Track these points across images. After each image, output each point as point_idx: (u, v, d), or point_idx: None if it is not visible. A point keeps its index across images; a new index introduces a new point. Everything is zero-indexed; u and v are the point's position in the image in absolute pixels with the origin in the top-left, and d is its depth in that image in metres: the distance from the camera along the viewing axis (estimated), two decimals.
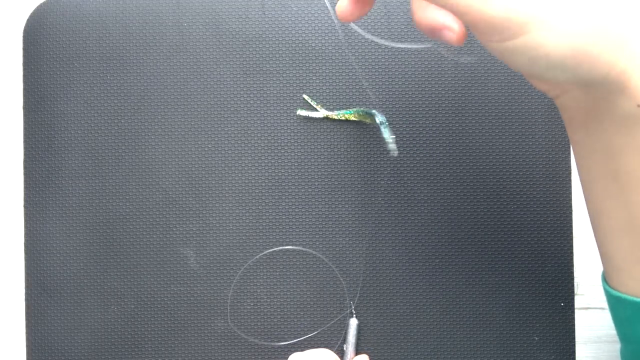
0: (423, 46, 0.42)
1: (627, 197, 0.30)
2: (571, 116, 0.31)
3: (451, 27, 0.29)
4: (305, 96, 0.42)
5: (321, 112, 0.43)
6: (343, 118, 0.43)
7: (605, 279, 0.34)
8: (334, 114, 0.43)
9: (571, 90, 0.29)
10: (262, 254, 0.43)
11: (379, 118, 0.41)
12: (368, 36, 0.41)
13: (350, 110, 0.43)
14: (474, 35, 0.28)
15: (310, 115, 0.43)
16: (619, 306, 0.33)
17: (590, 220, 0.33)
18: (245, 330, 0.43)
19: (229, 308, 0.43)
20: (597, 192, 0.31)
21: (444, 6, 0.27)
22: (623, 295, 0.32)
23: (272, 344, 0.43)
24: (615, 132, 0.29)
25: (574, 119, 0.31)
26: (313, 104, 0.43)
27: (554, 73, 0.28)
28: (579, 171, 0.32)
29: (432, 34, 0.30)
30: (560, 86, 0.30)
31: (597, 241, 0.33)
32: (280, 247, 0.43)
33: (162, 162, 0.44)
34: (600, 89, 0.28)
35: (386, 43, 0.42)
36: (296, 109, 0.43)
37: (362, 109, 0.43)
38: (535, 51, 0.27)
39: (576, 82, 0.28)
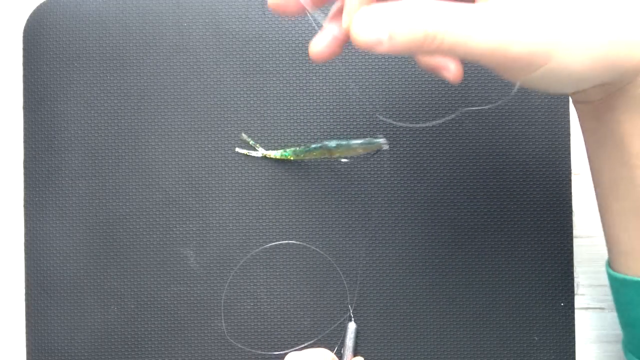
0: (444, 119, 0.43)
1: (636, 179, 0.31)
2: (584, 108, 0.33)
3: (448, 67, 0.31)
4: (243, 135, 0.42)
5: (259, 152, 0.43)
6: (280, 158, 0.43)
7: (609, 266, 0.35)
8: (271, 153, 0.43)
9: (590, 89, 0.31)
10: (262, 247, 0.43)
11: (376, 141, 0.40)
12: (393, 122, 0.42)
13: (304, 147, 0.42)
14: (500, 76, 0.29)
15: (249, 154, 0.43)
16: (622, 289, 0.34)
17: (599, 206, 0.35)
18: (241, 335, 0.43)
19: (222, 309, 0.43)
20: (606, 177, 0.33)
21: (464, 56, 0.27)
22: (628, 277, 0.33)
23: (269, 353, 0.43)
24: (626, 118, 0.30)
25: (587, 111, 0.33)
26: (251, 143, 0.43)
27: (584, 85, 0.29)
28: (589, 159, 0.34)
29: (432, 71, 0.32)
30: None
31: (604, 227, 0.35)
32: (280, 242, 0.43)
33: (162, 162, 0.44)
34: (617, 83, 0.29)
35: (411, 125, 0.43)
36: (234, 147, 0.43)
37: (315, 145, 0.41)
38: (563, 72, 0.28)
39: (600, 84, 0.30)
